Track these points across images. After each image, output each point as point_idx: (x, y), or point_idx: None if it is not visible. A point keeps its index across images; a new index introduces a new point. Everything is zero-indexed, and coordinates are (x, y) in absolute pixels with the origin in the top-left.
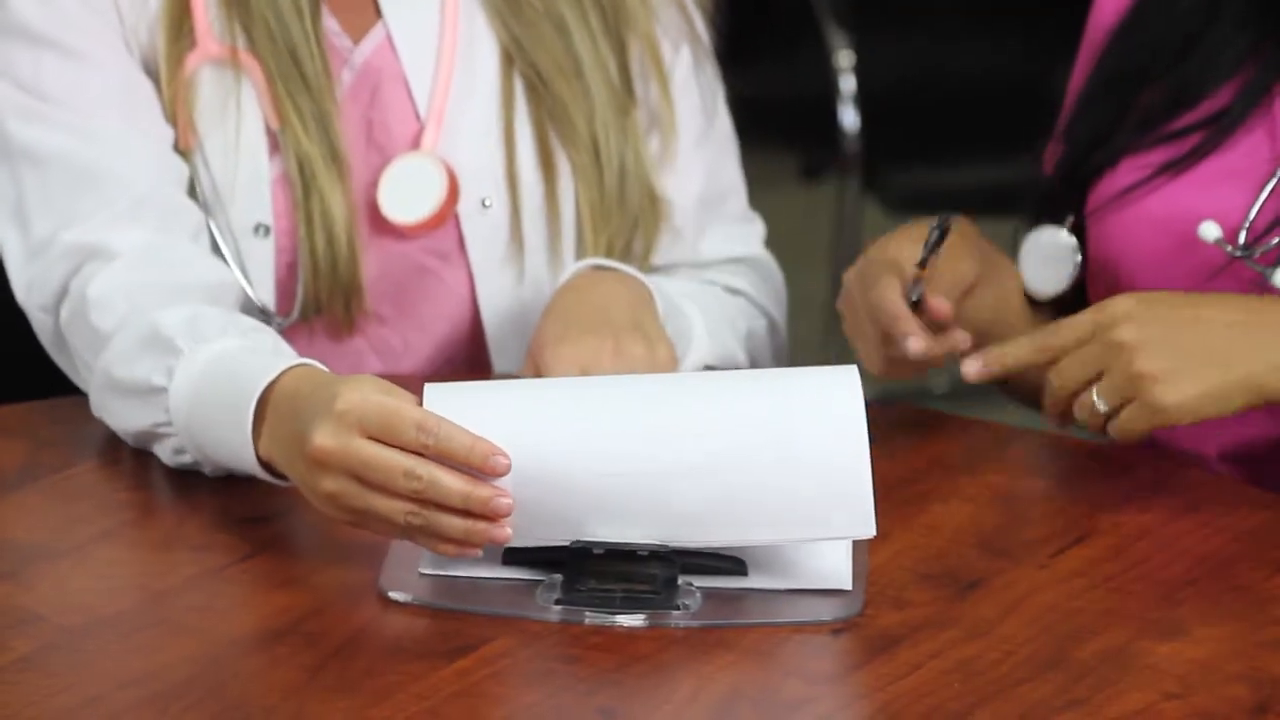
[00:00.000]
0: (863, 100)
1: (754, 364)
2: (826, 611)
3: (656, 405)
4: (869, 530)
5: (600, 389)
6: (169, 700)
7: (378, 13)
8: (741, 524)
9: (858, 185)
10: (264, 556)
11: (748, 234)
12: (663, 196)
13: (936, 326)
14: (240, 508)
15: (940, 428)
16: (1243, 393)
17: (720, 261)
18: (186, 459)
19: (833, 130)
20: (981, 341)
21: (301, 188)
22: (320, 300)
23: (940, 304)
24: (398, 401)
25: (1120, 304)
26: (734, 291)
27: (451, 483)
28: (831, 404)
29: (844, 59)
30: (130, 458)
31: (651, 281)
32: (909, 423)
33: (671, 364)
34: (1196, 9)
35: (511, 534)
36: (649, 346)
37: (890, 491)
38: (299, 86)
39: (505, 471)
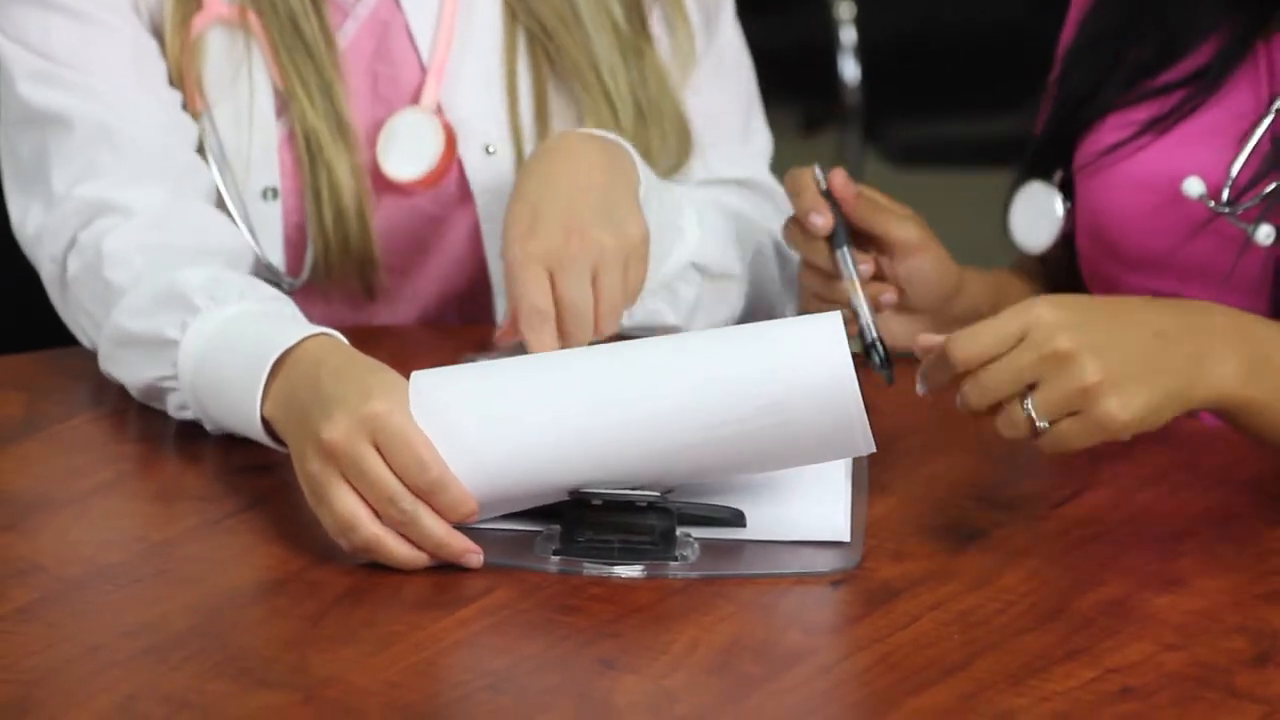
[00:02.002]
0: (863, 52)
1: (759, 285)
2: (825, 563)
3: (642, 368)
4: (869, 446)
5: (585, 363)
6: (169, 650)
7: None
8: (740, 458)
9: (858, 137)
10: (264, 507)
11: (744, 155)
12: (691, 127)
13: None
14: (241, 459)
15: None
16: (1176, 405)
17: (712, 182)
18: (189, 414)
19: (833, 82)
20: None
21: (309, 162)
22: (332, 268)
23: (837, 175)
24: (417, 434)
25: (1045, 311)
26: (735, 212)
27: (431, 526)
28: (815, 338)
29: (844, 11)
30: (131, 409)
31: (638, 158)
32: (908, 376)
33: (643, 243)
34: None
35: (481, 562)
36: (617, 231)
37: (890, 444)
38: (302, 55)
39: (476, 566)
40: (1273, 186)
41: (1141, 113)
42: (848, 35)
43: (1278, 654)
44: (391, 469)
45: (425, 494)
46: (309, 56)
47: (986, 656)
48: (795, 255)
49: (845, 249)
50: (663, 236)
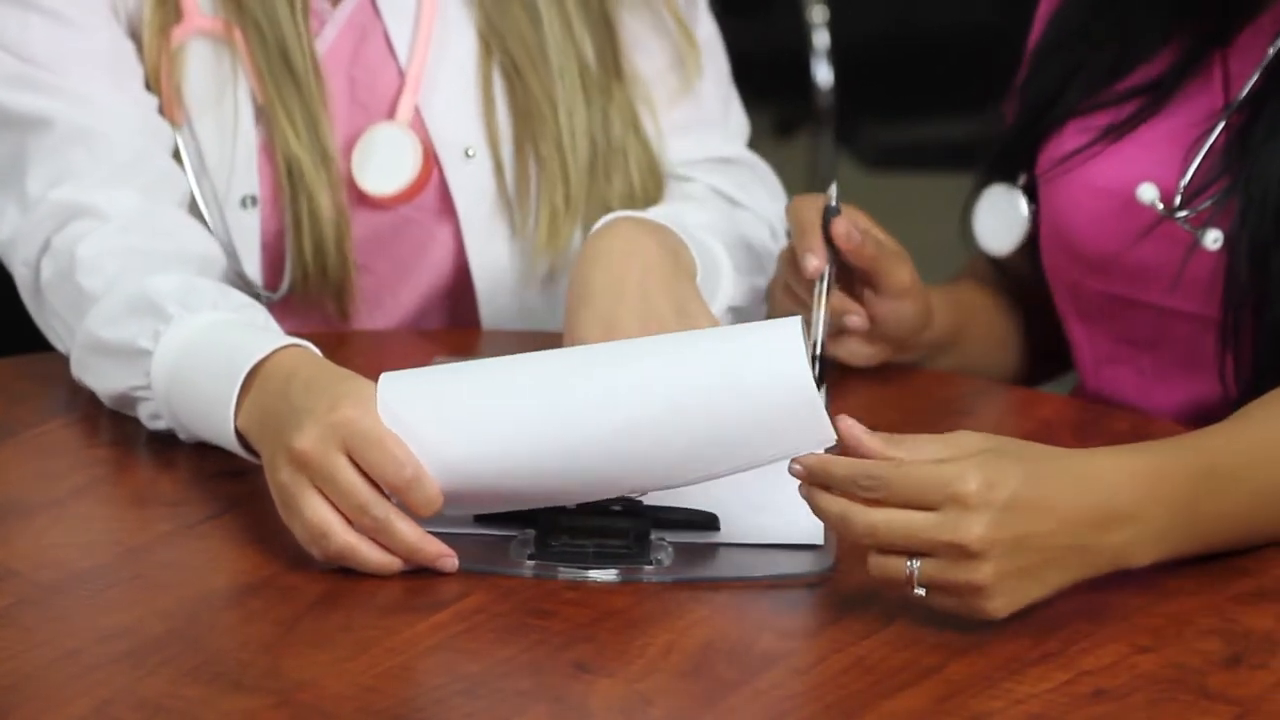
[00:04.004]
0: (836, 56)
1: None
2: (800, 566)
3: (606, 371)
4: (830, 438)
5: (553, 359)
6: (145, 654)
7: None
8: (706, 458)
9: (832, 141)
10: (239, 512)
11: (725, 135)
12: (661, 164)
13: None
14: (215, 464)
15: (914, 381)
16: (1063, 585)
17: (700, 161)
18: (162, 424)
19: (806, 86)
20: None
21: (290, 187)
22: (309, 291)
23: (839, 223)
24: (388, 434)
25: (973, 490)
26: (733, 202)
27: (404, 531)
28: (773, 339)
29: (818, 14)
30: (105, 414)
31: (679, 226)
32: (882, 376)
33: None
34: None
35: (456, 565)
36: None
37: None
38: (289, 86)
39: (450, 570)
40: (1221, 192)
41: (1101, 119)
42: (821, 39)
43: (1250, 655)
44: (366, 471)
45: (402, 491)
46: (296, 88)
47: (961, 659)
48: (781, 232)
49: (824, 280)
50: (707, 295)
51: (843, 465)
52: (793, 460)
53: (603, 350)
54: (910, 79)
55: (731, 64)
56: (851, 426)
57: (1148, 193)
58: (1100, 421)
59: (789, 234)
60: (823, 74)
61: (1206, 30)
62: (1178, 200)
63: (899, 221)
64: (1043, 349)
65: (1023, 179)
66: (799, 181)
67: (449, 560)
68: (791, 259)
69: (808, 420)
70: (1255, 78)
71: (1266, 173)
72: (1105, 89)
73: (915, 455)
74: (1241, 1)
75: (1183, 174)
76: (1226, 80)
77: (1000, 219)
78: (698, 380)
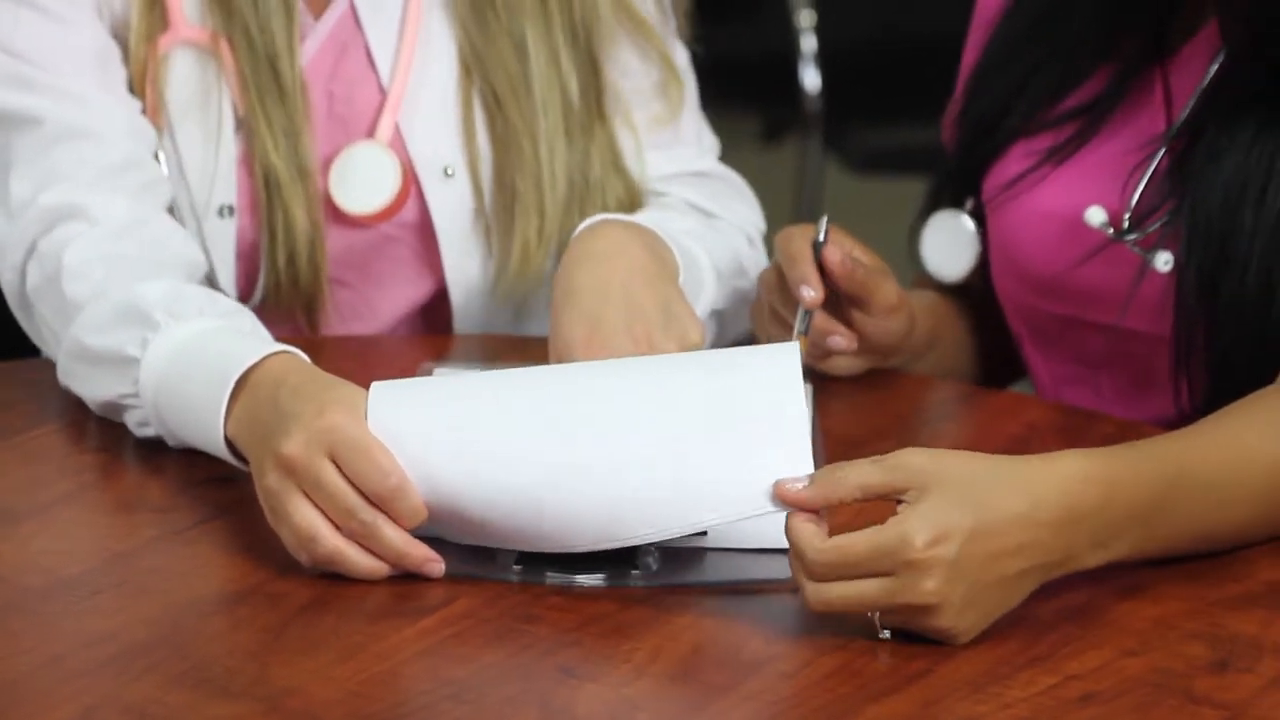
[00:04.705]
0: (824, 60)
1: (748, 289)
2: (786, 570)
3: (604, 398)
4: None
5: (546, 385)
6: (131, 660)
7: None
8: (689, 508)
9: (819, 146)
10: (226, 519)
11: (699, 151)
12: (640, 187)
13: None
14: (203, 470)
15: (900, 386)
16: (1024, 596)
17: (675, 175)
18: (150, 431)
19: (794, 90)
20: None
21: (266, 197)
22: (281, 302)
23: (833, 252)
24: (373, 441)
25: (919, 549)
26: (708, 214)
27: (391, 536)
28: (772, 378)
29: (805, 18)
30: (92, 420)
31: (663, 231)
32: (868, 381)
33: (701, 341)
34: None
35: (442, 571)
36: (680, 336)
37: (849, 451)
38: (274, 98)
39: (437, 575)
40: (1169, 215)
41: (1045, 141)
42: (808, 43)
43: (1237, 660)
44: (351, 479)
45: (386, 501)
46: (280, 100)
47: (947, 663)
48: (760, 246)
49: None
50: (690, 297)
51: (792, 534)
52: (776, 482)
53: (597, 370)
54: (897, 83)
55: (719, 70)
56: (787, 491)
57: (1097, 216)
58: (1085, 426)
59: (776, 260)
60: (810, 79)
61: (1145, 47)
62: (1126, 223)
63: (886, 225)
64: (1006, 354)
65: (969, 204)
66: (787, 186)
67: (435, 565)
68: (777, 284)
69: (793, 454)
70: (1193, 103)
71: (1207, 200)
72: (1047, 110)
73: (860, 483)
74: (1174, 19)
75: (1129, 197)
76: (1168, 98)
77: (950, 244)
78: (694, 403)
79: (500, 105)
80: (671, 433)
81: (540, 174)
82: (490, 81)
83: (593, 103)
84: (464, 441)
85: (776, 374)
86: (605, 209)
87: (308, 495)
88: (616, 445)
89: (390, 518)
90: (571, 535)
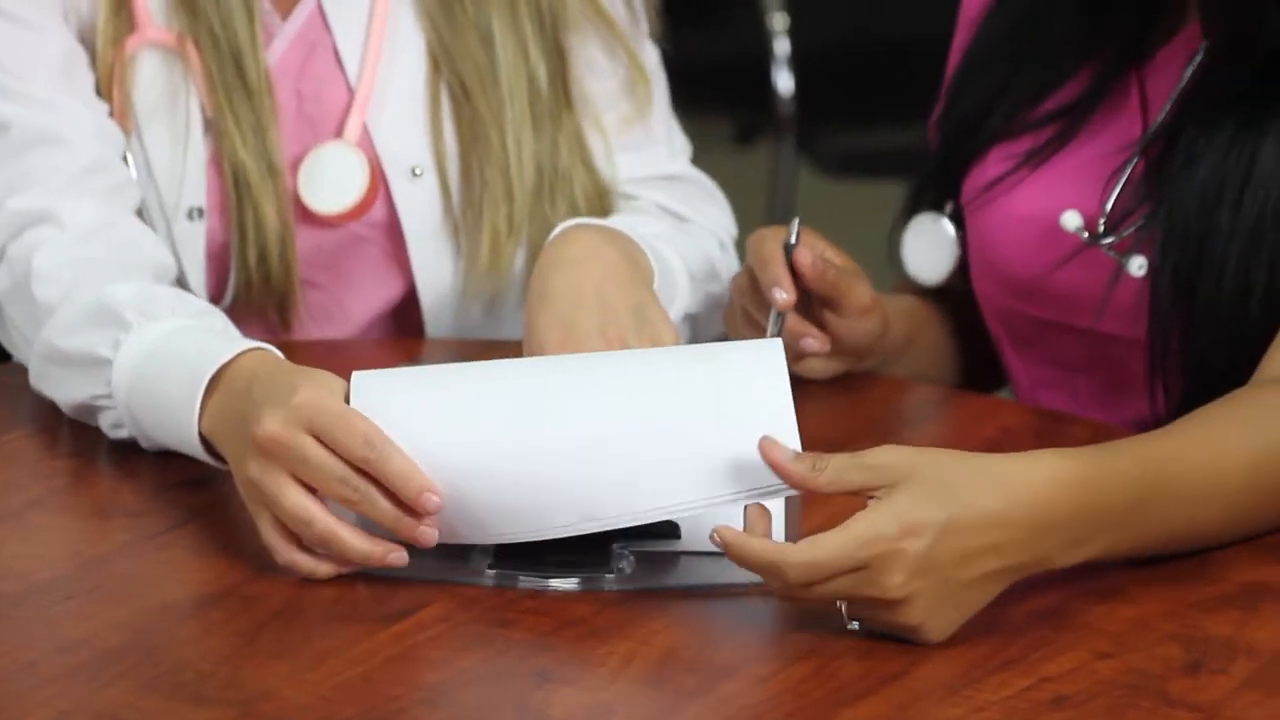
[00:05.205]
0: (796, 63)
1: (720, 293)
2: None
3: (586, 388)
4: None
5: (528, 375)
6: (104, 666)
7: None
8: (672, 487)
9: (792, 149)
10: (199, 523)
11: (670, 154)
12: (609, 193)
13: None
14: (175, 474)
15: (875, 389)
16: (995, 594)
17: (646, 179)
18: (124, 433)
19: (767, 93)
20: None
21: (236, 196)
22: (252, 301)
23: (804, 254)
24: (352, 411)
25: (887, 541)
26: (680, 218)
27: (383, 502)
28: (757, 370)
29: (778, 21)
30: (64, 425)
31: (636, 235)
32: (843, 384)
33: (675, 343)
34: (1039, 2)
35: (436, 537)
36: (653, 337)
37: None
38: (240, 94)
39: (435, 510)
40: (1145, 219)
41: (1023, 145)
42: (781, 46)
43: (1211, 661)
44: (334, 450)
45: (373, 467)
46: (247, 97)
47: (922, 666)
48: (733, 252)
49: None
50: (664, 301)
51: (758, 553)
52: (714, 529)
53: (582, 361)
54: (870, 86)
55: (692, 72)
56: (773, 447)
57: (1072, 220)
58: (1060, 429)
59: (748, 263)
60: (783, 81)
61: (1122, 51)
62: (1101, 227)
63: (859, 228)
64: (986, 357)
65: (949, 207)
66: (760, 189)
67: (432, 498)
68: (750, 287)
69: (779, 433)
70: (1169, 107)
71: (1184, 202)
72: (1026, 113)
73: (836, 478)
74: (1156, 21)
75: (1105, 200)
76: (1144, 102)
77: (929, 248)
78: (678, 390)
79: (468, 96)
80: (654, 413)
81: (508, 163)
82: (458, 73)
83: (560, 90)
84: (445, 424)
85: (761, 363)
86: (573, 198)
87: (293, 475)
88: (598, 425)
89: (384, 485)
90: (552, 516)
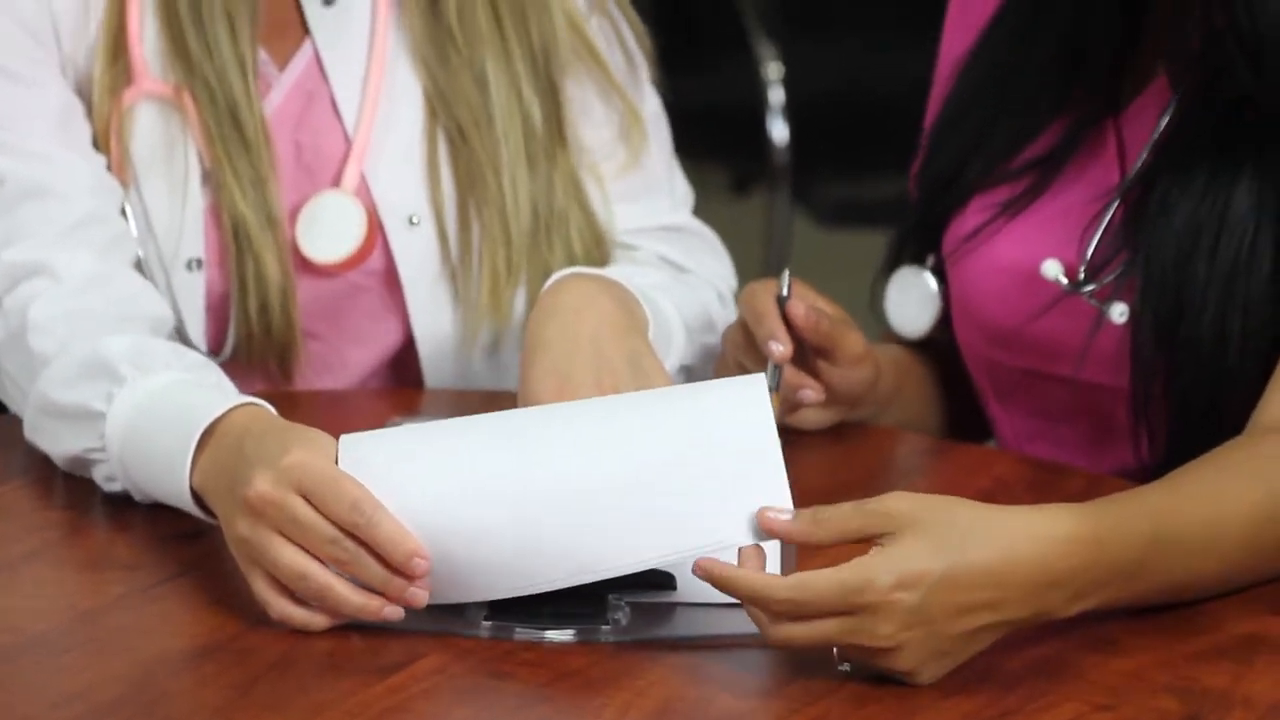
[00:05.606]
0: (791, 113)
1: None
2: (756, 624)
3: (572, 439)
4: (786, 503)
5: (515, 430)
6: (98, 719)
7: (304, 30)
8: (664, 537)
9: (787, 198)
10: (193, 575)
11: (671, 204)
12: (606, 234)
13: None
14: (169, 526)
15: (870, 440)
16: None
17: (648, 229)
18: (117, 486)
19: (762, 143)
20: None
21: (236, 248)
22: (253, 353)
23: (798, 306)
24: (341, 474)
25: (880, 591)
26: (680, 269)
27: (373, 565)
28: (740, 407)
29: (773, 71)
30: (59, 477)
31: (632, 285)
32: (839, 435)
33: None
34: (1014, 53)
35: (426, 599)
36: (650, 388)
37: (820, 503)
38: (238, 147)
39: (424, 574)
40: (1124, 266)
41: (1001, 194)
42: (776, 95)
43: (1207, 713)
44: (323, 513)
45: (362, 532)
46: (245, 150)
47: (918, 717)
48: (731, 304)
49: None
50: (660, 352)
51: (744, 581)
52: (696, 563)
53: (567, 411)
54: (865, 136)
55: (687, 122)
56: (772, 520)
57: (1052, 269)
58: (1054, 481)
59: (741, 317)
60: (778, 131)
61: (1098, 100)
62: (1082, 275)
63: (853, 278)
64: (971, 406)
65: (930, 259)
66: (755, 239)
67: (420, 563)
68: (743, 341)
69: (768, 480)
70: (1146, 154)
71: (1161, 250)
72: (1004, 164)
73: (840, 528)
74: (1130, 71)
75: (1084, 249)
76: (1121, 150)
77: (911, 302)
78: (663, 435)
79: (465, 139)
80: (642, 463)
81: (504, 205)
82: (455, 117)
83: (555, 129)
84: (433, 483)
85: (744, 403)
86: (569, 241)
87: (284, 534)
88: (587, 477)
89: (373, 549)
90: (542, 570)
